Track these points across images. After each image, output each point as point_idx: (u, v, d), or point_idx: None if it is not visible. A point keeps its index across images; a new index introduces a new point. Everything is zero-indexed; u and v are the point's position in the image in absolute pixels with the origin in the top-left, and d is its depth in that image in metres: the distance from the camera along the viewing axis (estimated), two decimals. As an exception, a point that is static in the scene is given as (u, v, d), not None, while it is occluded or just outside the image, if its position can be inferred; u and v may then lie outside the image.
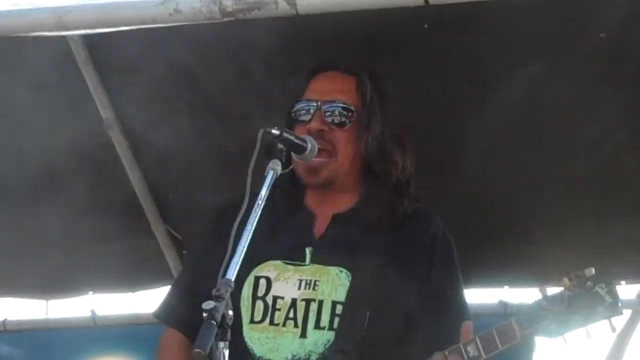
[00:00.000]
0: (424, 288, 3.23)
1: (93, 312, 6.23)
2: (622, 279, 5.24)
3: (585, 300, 2.75)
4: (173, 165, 5.34)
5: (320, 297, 3.22)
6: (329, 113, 3.40)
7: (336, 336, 3.15)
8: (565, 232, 5.00)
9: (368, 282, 3.15)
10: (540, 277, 5.07)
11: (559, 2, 3.55)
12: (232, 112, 4.86)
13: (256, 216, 2.87)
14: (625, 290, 5.59)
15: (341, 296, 3.19)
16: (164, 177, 5.45)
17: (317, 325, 3.19)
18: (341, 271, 3.23)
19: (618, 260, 4.92)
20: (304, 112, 3.46)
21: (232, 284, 2.72)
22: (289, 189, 3.44)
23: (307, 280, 3.25)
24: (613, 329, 2.83)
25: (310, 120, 3.41)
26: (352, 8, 3.23)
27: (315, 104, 3.43)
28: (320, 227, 3.41)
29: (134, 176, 5.35)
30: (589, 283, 2.79)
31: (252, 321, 3.28)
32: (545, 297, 2.80)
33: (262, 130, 3.06)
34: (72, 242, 5.74)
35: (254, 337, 3.26)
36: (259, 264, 3.31)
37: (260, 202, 2.91)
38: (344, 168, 3.40)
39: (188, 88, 4.80)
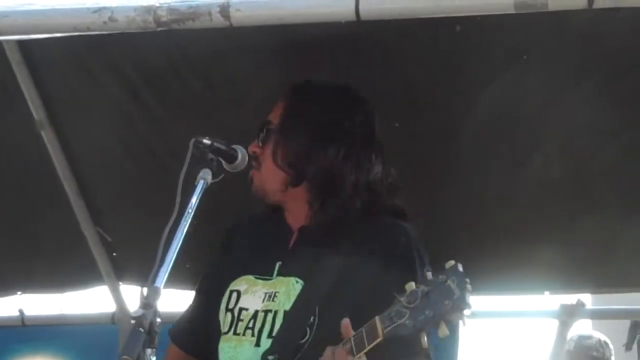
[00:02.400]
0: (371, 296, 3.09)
1: (21, 311, 6.18)
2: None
3: (437, 295, 2.65)
4: (105, 167, 5.32)
5: (276, 308, 3.22)
6: (260, 135, 3.39)
7: (272, 343, 3.15)
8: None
9: (317, 290, 3.14)
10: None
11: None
12: (166, 118, 4.84)
13: (186, 224, 2.89)
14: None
15: (290, 305, 3.19)
16: (95, 178, 5.39)
17: (270, 334, 3.19)
18: (297, 281, 3.22)
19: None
20: None
21: (160, 292, 2.73)
22: (273, 208, 3.45)
23: (269, 292, 3.25)
24: (464, 323, 2.74)
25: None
26: (285, 22, 3.21)
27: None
28: (293, 241, 3.39)
29: (65, 177, 5.29)
30: (441, 276, 2.67)
31: (222, 332, 3.31)
32: (403, 294, 2.73)
33: (193, 140, 3.07)
34: (1, 242, 5.69)
35: (223, 347, 3.29)
36: (235, 278, 3.34)
37: (190, 210, 2.95)
38: (270, 181, 3.38)
39: (122, 91, 4.75)
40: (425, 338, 2.68)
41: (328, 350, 2.84)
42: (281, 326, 3.15)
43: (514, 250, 5.17)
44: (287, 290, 3.22)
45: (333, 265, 3.13)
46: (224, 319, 3.32)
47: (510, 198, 4.87)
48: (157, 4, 3.15)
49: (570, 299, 5.90)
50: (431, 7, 3.16)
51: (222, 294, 3.36)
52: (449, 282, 2.64)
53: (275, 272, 3.29)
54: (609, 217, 4.82)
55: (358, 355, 2.80)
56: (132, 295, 5.95)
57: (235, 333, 3.27)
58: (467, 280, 2.64)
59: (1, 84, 4.89)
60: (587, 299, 6.07)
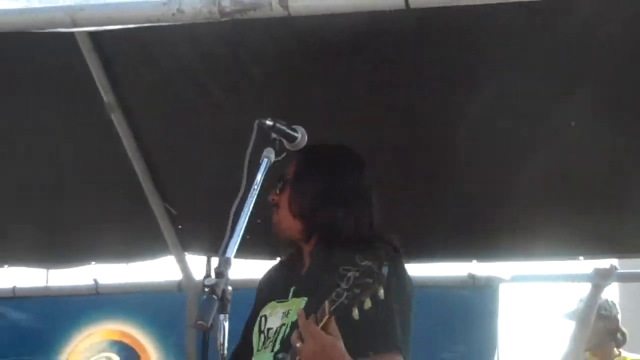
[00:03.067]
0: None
1: (95, 280, 6.32)
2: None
3: (363, 276, 2.88)
4: (170, 147, 5.45)
5: (287, 321, 3.53)
6: (278, 185, 3.67)
7: (280, 345, 3.48)
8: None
9: (316, 302, 3.27)
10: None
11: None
12: (226, 102, 4.97)
13: (252, 199, 3.03)
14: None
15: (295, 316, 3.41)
16: (161, 157, 5.52)
17: (280, 343, 3.51)
18: (304, 299, 3.51)
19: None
20: None
21: (231, 261, 2.87)
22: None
23: (285, 311, 3.57)
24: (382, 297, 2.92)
25: None
26: (339, 10, 3.30)
27: None
28: (305, 269, 3.70)
29: (134, 156, 5.42)
30: (366, 262, 2.92)
31: (257, 350, 3.63)
32: (343, 279, 2.93)
33: (257, 121, 3.22)
34: (76, 217, 5.83)
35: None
36: (264, 306, 3.70)
37: (256, 186, 3.07)
38: (287, 221, 3.66)
39: (186, 78, 4.88)
40: (357, 311, 2.91)
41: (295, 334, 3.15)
42: (288, 333, 3.41)
43: (551, 220, 5.27)
44: (297, 307, 3.48)
45: (329, 283, 3.19)
46: (257, 340, 3.65)
47: (546, 175, 4.98)
48: None
49: (603, 263, 5.92)
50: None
51: (255, 321, 3.70)
52: (371, 264, 2.85)
53: (291, 295, 3.62)
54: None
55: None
56: (196, 264, 6.07)
57: (265, 348, 3.58)
58: (386, 262, 2.90)
59: (73, 71, 4.99)
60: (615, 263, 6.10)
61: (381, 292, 2.88)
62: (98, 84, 5.08)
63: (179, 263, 6.02)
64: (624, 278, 6.90)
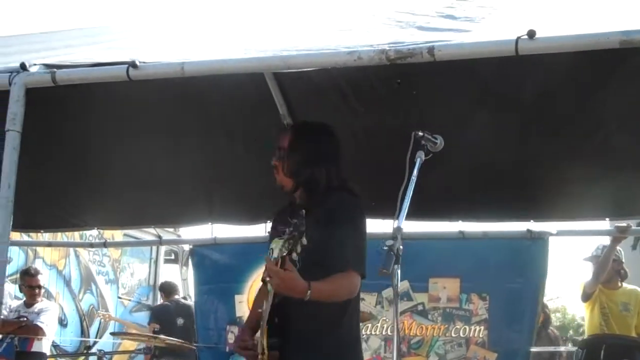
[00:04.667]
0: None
1: (215, 237, 6.57)
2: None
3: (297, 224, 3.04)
4: None
5: (281, 254, 3.33)
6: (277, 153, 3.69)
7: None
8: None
9: (297, 237, 3.21)
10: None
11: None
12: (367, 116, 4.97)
13: (412, 186, 3.07)
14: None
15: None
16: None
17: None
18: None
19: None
20: None
21: (402, 229, 2.92)
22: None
23: (282, 246, 3.36)
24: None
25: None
26: (467, 57, 3.25)
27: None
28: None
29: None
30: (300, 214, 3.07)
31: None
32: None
33: (413, 132, 3.25)
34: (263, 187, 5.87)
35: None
36: (271, 240, 3.49)
37: (413, 178, 3.12)
38: (283, 180, 3.67)
39: (338, 97, 4.85)
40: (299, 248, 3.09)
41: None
42: (281, 263, 3.27)
43: (586, 190, 5.24)
44: (287, 242, 3.39)
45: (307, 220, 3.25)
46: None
47: (584, 152, 4.87)
48: (387, 47, 3.24)
49: (622, 222, 5.97)
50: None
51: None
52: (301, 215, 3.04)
53: (286, 233, 3.41)
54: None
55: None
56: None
57: None
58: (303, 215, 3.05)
59: (261, 92, 4.98)
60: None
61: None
62: (276, 103, 5.11)
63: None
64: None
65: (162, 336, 5.80)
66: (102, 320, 9.93)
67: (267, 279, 3.18)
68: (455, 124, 4.58)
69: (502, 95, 4.55)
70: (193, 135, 5.35)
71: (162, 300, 9.12)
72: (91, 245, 7.93)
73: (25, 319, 6.02)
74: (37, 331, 6.48)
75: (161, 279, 10.76)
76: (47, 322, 6.62)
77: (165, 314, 8.49)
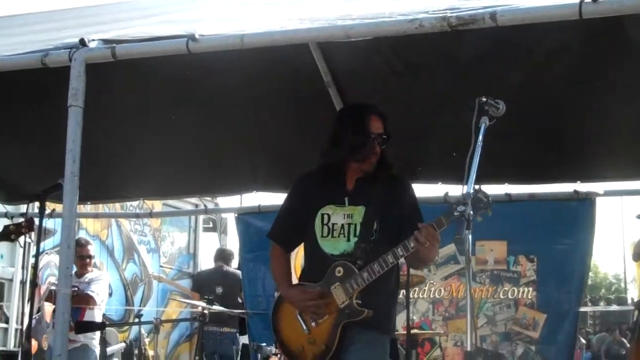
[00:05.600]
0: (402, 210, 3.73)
1: (260, 206, 6.60)
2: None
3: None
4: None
5: (354, 222, 3.72)
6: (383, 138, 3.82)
7: (358, 237, 3.68)
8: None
9: (374, 210, 3.70)
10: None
11: None
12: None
13: (478, 152, 3.09)
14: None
15: (361, 219, 3.72)
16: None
17: (354, 235, 3.70)
18: (362, 207, 3.73)
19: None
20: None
21: (470, 195, 2.96)
22: (333, 169, 3.85)
23: (347, 213, 3.74)
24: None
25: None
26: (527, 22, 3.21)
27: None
28: (350, 185, 3.82)
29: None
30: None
31: (321, 236, 3.75)
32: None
33: (477, 99, 3.25)
34: (301, 156, 5.86)
35: (324, 243, 3.74)
36: (323, 206, 3.79)
37: (480, 144, 3.13)
38: (373, 161, 3.80)
39: (385, 66, 4.82)
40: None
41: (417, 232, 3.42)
42: (361, 230, 3.68)
43: (631, 152, 5.26)
44: (358, 212, 3.73)
45: (380, 197, 3.69)
46: (320, 230, 3.76)
47: (628, 117, 4.86)
48: (449, 14, 3.22)
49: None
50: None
51: (315, 216, 3.77)
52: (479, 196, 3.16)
53: (347, 202, 3.77)
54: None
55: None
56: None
57: (332, 237, 3.74)
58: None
59: (305, 58, 4.96)
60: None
61: None
62: (321, 71, 5.12)
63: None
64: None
65: (216, 306, 5.85)
66: (157, 281, 10.15)
67: (427, 244, 3.40)
68: (498, 87, 4.57)
69: (546, 56, 4.53)
70: (237, 106, 5.37)
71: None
72: (137, 215, 8.02)
73: (76, 288, 6.07)
74: (88, 300, 6.57)
75: (201, 247, 10.91)
76: (98, 291, 6.69)
77: (205, 280, 8.57)
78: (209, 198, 8.60)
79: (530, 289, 5.87)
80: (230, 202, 9.27)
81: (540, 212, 5.86)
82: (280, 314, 3.82)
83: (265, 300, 6.59)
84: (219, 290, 7.86)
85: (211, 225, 11.22)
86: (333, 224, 3.73)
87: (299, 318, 3.69)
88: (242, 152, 6.02)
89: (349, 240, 3.68)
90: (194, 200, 8.82)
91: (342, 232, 3.71)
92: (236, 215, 6.95)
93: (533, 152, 5.34)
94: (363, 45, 4.48)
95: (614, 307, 10.25)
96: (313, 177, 3.92)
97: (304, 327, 3.67)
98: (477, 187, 3.19)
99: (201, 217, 10.91)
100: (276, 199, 6.70)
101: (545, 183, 5.83)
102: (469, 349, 2.99)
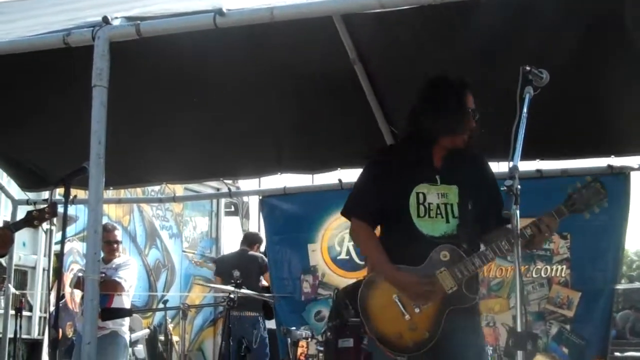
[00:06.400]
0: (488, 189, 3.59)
1: (340, 180, 6.33)
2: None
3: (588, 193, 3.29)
4: (399, 88, 5.22)
5: (450, 201, 3.55)
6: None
7: (459, 219, 3.51)
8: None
9: (467, 190, 3.55)
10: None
11: None
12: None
13: (524, 124, 2.95)
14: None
15: (457, 199, 3.55)
16: (389, 95, 5.43)
17: (453, 216, 3.53)
18: (455, 186, 3.57)
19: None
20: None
21: (518, 167, 2.83)
22: (420, 145, 3.66)
23: (440, 193, 3.56)
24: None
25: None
26: None
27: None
28: (437, 163, 3.64)
29: (369, 92, 5.38)
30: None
31: (418, 216, 3.52)
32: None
33: (521, 67, 3.11)
34: (328, 136, 5.80)
35: (422, 224, 3.51)
36: (417, 185, 3.56)
37: (524, 114, 2.99)
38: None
39: (409, 35, 4.69)
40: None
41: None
42: (459, 210, 3.52)
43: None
44: (452, 191, 3.56)
45: (468, 176, 3.57)
46: (416, 209, 3.54)
47: None
48: None
49: None
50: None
51: (408, 194, 3.54)
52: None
53: (439, 181, 3.57)
54: None
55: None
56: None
57: (429, 217, 3.53)
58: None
59: (329, 35, 4.86)
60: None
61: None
62: (346, 46, 5.00)
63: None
64: None
65: (244, 289, 5.75)
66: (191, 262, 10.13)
67: (547, 233, 3.37)
68: (531, 60, 4.42)
69: (587, 28, 4.37)
70: (260, 85, 5.25)
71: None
72: (160, 200, 7.94)
73: (103, 274, 5.96)
74: (116, 287, 6.41)
75: (223, 232, 10.84)
76: (126, 277, 6.53)
77: (224, 264, 8.51)
78: (230, 181, 8.49)
79: (564, 266, 5.71)
80: (250, 185, 9.11)
81: (572, 188, 5.72)
82: (372, 297, 3.52)
83: (292, 283, 6.53)
84: (236, 273, 7.71)
85: (233, 209, 11.16)
86: (429, 204, 3.52)
87: (398, 302, 3.42)
88: (266, 133, 5.92)
89: (447, 221, 3.51)
90: (214, 184, 8.71)
91: (438, 212, 3.52)
92: (260, 197, 6.85)
93: (566, 126, 5.18)
94: (387, 18, 4.36)
95: (637, 284, 10.07)
96: (396, 153, 3.75)
97: (404, 313, 3.41)
98: (591, 178, 3.30)
99: (223, 202, 10.84)
100: (301, 180, 6.63)
101: (578, 158, 5.67)
102: (519, 329, 2.84)
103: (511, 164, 2.87)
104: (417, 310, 3.40)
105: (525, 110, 3.02)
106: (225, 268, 8.25)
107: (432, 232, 3.49)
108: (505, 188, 2.81)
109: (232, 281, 5.86)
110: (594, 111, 5.06)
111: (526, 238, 3.29)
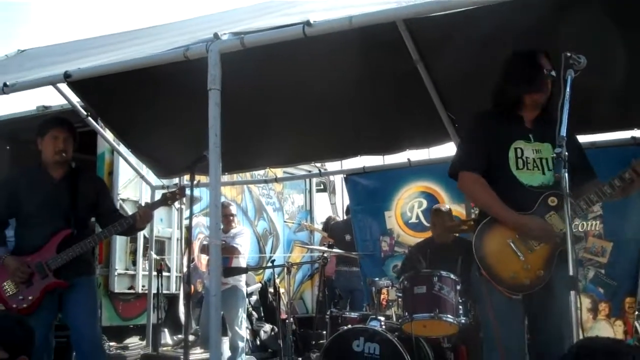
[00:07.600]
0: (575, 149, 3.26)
1: (409, 159, 6.18)
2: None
3: None
4: (458, 84, 5.06)
5: (544, 156, 3.30)
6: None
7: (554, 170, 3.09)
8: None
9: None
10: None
11: None
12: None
13: (568, 103, 2.75)
14: None
15: (551, 154, 3.24)
16: (449, 91, 5.23)
17: (548, 169, 3.27)
18: (548, 144, 3.30)
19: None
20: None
21: (564, 139, 2.63)
22: (510, 110, 3.42)
23: (535, 149, 3.32)
24: None
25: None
26: None
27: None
28: (529, 125, 3.39)
29: (430, 89, 5.18)
30: None
31: (517, 168, 3.29)
32: None
33: (563, 54, 2.91)
34: (397, 124, 5.62)
35: (521, 175, 3.28)
36: (514, 141, 3.33)
37: (568, 93, 2.79)
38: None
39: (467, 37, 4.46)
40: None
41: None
42: (553, 164, 3.10)
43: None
44: (546, 148, 3.30)
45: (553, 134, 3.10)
46: (514, 162, 3.30)
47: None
48: None
49: None
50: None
51: (508, 148, 3.31)
52: None
53: (532, 139, 3.33)
54: None
55: None
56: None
57: (527, 169, 3.28)
58: None
59: (390, 37, 4.69)
60: None
61: None
62: (409, 48, 4.82)
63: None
64: None
65: (336, 249, 5.70)
66: (306, 229, 10.30)
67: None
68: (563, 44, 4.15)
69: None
70: (340, 84, 5.14)
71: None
72: (265, 181, 7.97)
73: (223, 241, 6.02)
74: (234, 251, 6.52)
75: (315, 205, 10.89)
76: (241, 243, 6.64)
77: (337, 230, 8.44)
78: (319, 164, 8.45)
79: (598, 222, 5.44)
80: (335, 166, 9.05)
81: (600, 159, 5.38)
82: (488, 240, 3.24)
83: (372, 243, 6.43)
84: (348, 237, 7.68)
85: (322, 187, 11.15)
86: (526, 157, 3.28)
87: (512, 244, 3.17)
88: (346, 124, 5.79)
89: (544, 173, 3.26)
90: (307, 167, 8.68)
91: (535, 165, 3.26)
92: (344, 176, 6.75)
93: (592, 102, 4.83)
94: (443, 21, 4.18)
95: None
96: (492, 115, 3.45)
97: (519, 254, 3.15)
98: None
99: (314, 181, 10.84)
100: (376, 160, 6.51)
101: (606, 132, 5.34)
102: (571, 273, 2.66)
103: (559, 134, 2.68)
104: (530, 251, 3.15)
105: (568, 89, 2.84)
106: (337, 233, 8.24)
107: (531, 182, 3.26)
108: (554, 155, 2.64)
109: (332, 244, 5.82)
110: (619, 90, 4.70)
111: (625, 182, 3.10)
